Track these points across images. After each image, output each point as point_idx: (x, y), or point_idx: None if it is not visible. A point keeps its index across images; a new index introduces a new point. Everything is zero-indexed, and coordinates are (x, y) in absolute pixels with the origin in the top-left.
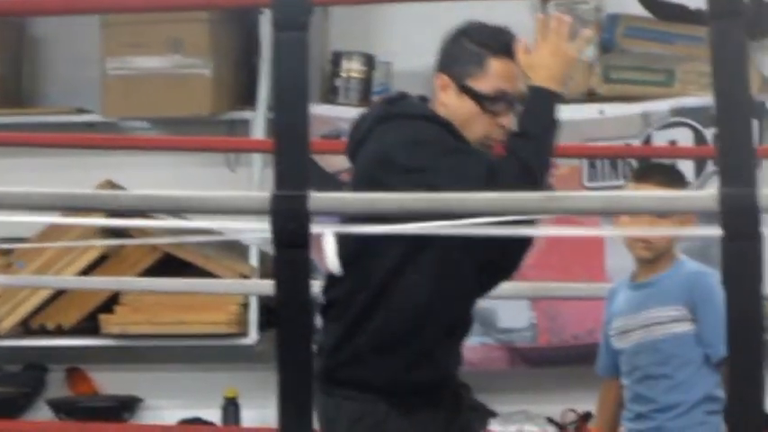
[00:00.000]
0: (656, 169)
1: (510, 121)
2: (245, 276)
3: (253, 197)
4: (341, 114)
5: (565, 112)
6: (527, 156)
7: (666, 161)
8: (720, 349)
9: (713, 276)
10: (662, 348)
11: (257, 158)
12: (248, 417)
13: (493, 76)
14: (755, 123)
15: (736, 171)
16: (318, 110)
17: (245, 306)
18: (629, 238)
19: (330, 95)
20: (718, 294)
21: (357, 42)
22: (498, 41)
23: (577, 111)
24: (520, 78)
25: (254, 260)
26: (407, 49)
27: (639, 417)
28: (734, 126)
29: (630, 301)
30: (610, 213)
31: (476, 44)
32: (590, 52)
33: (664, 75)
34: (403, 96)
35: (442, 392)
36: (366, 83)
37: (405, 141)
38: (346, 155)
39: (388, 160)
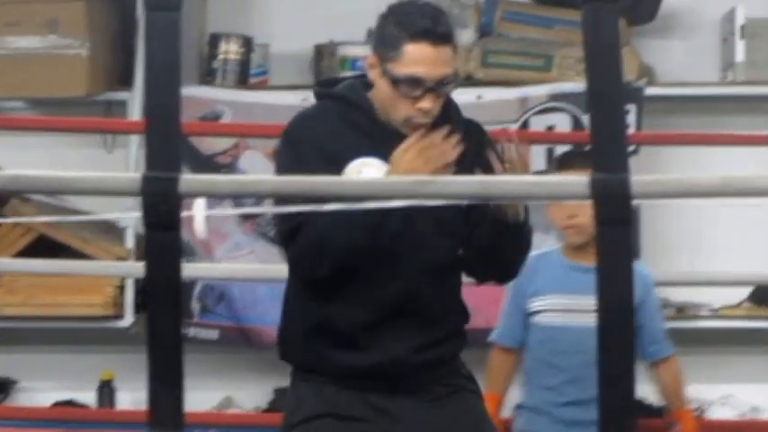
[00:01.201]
0: (579, 156)
1: (431, 105)
2: (122, 258)
3: (123, 178)
4: (218, 96)
5: None
6: (328, 238)
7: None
8: (658, 350)
9: (651, 277)
10: None
11: (134, 140)
12: (123, 399)
13: (407, 60)
14: (634, 109)
15: (608, 157)
16: (196, 92)
17: (121, 288)
18: (561, 223)
19: (207, 77)
20: (655, 295)
21: (235, 24)
22: (415, 25)
23: (455, 94)
24: (441, 62)
25: (130, 242)
26: (285, 31)
27: (579, 403)
28: (606, 112)
29: (577, 281)
30: (484, 198)
31: (395, 26)
32: (469, 35)
33: (542, 60)
34: (331, 81)
35: (374, 376)
36: (244, 65)
37: (285, 131)
38: None
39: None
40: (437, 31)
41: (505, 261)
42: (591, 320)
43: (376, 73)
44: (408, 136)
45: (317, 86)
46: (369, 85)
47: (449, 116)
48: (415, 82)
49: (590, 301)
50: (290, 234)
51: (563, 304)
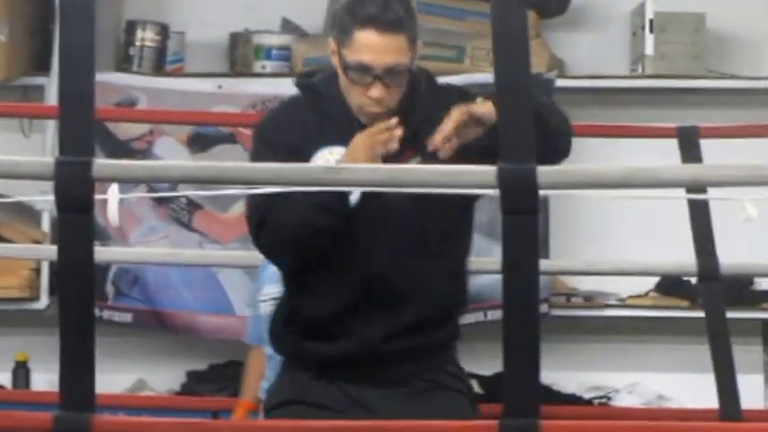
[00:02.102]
0: None
1: (380, 94)
2: (37, 241)
3: (37, 162)
4: (135, 83)
5: None
6: (296, 219)
7: None
8: None
9: None
10: None
11: (50, 124)
12: (38, 380)
13: (356, 47)
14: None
15: (514, 146)
16: (113, 78)
17: (37, 271)
18: None
19: (124, 64)
20: None
21: (151, 12)
22: (365, 11)
23: None
24: (389, 50)
25: (46, 226)
26: (201, 19)
27: None
28: (514, 102)
29: None
30: (393, 186)
31: (347, 12)
32: None
33: (454, 50)
34: (312, 72)
35: (345, 365)
36: (160, 52)
37: (256, 126)
38: None
39: None
40: (384, 18)
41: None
42: None
43: (335, 59)
44: (368, 124)
45: (298, 78)
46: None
47: (413, 103)
48: (362, 69)
49: None
50: (257, 226)
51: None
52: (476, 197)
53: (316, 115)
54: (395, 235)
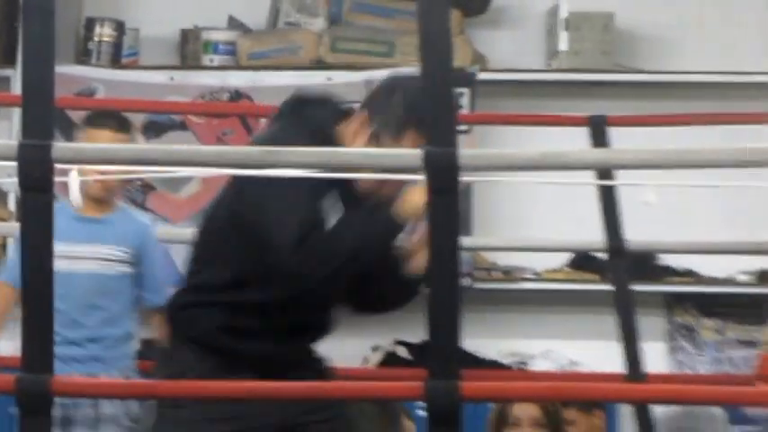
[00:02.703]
0: (109, 116)
1: None
2: (3, 219)
3: (2, 145)
4: (93, 75)
5: (295, 78)
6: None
7: None
8: (157, 299)
9: (155, 228)
10: (108, 283)
11: (16, 112)
12: (4, 347)
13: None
14: (467, 92)
15: (438, 132)
16: (73, 70)
17: (3, 247)
18: (86, 175)
19: (83, 57)
20: (160, 246)
21: (109, 10)
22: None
23: (307, 77)
24: None
25: (12, 205)
26: (154, 16)
27: (72, 343)
28: (437, 92)
29: (77, 231)
30: (327, 168)
31: (403, 109)
32: (320, 24)
33: (385, 46)
34: (302, 101)
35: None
36: (116, 46)
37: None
38: None
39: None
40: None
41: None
42: (87, 267)
43: (364, 131)
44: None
45: (291, 103)
46: (340, 115)
47: None
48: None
49: (88, 250)
50: (297, 241)
51: (64, 251)
52: None
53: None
54: None
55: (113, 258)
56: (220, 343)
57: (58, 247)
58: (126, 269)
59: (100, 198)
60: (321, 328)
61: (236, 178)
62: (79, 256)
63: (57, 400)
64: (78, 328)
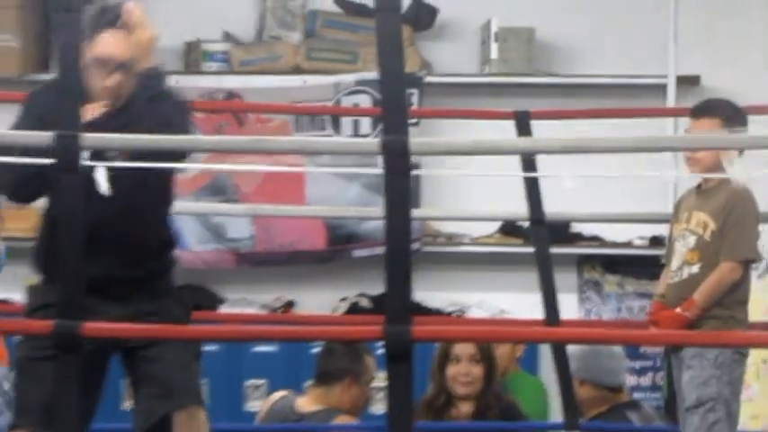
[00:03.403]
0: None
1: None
2: None
3: (41, 135)
4: None
5: (277, 81)
6: None
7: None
8: None
9: None
10: None
11: None
12: None
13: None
14: (416, 93)
15: (393, 124)
16: None
17: None
18: None
19: None
20: None
21: None
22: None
23: (286, 81)
24: None
25: None
26: (163, 31)
27: None
28: (393, 92)
29: None
30: (305, 153)
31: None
32: (298, 37)
33: (350, 55)
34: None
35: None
36: None
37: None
38: None
39: None
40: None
41: None
42: None
43: None
44: None
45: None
46: None
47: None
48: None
49: None
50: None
51: None
52: (170, 180)
53: None
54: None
55: None
56: None
57: None
58: None
59: None
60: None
61: None
62: None
63: None
64: None
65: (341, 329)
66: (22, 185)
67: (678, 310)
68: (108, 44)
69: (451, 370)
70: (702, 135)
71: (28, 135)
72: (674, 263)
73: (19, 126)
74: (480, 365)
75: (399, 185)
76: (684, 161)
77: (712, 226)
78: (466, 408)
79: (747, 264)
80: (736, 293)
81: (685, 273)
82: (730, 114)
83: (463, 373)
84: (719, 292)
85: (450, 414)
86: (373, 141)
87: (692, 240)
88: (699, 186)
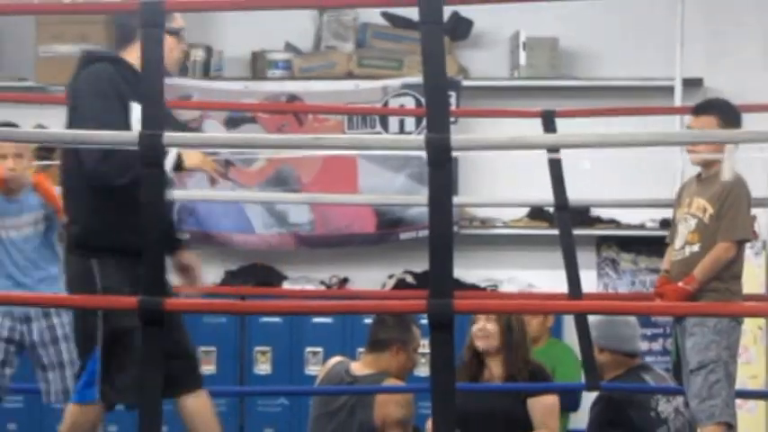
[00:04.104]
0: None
1: None
2: None
3: (130, 134)
4: (190, 84)
5: (332, 86)
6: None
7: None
8: None
9: None
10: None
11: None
12: None
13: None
14: (454, 94)
15: (436, 123)
16: (176, 81)
17: None
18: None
19: (182, 71)
20: None
21: (201, 37)
22: None
23: (340, 85)
24: None
25: None
26: (233, 42)
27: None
28: (436, 95)
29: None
30: (357, 149)
31: None
32: (350, 47)
33: (396, 62)
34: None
35: None
36: (206, 64)
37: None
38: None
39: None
40: None
41: None
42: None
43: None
44: None
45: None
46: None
47: None
48: None
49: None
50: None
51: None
52: None
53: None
54: None
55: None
56: None
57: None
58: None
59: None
60: None
61: None
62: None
63: (17, 326)
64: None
65: (390, 303)
66: (130, 167)
67: (681, 283)
68: None
69: (473, 328)
70: (705, 131)
71: (114, 135)
72: (677, 242)
73: (107, 109)
74: (495, 323)
75: (441, 177)
76: (686, 152)
77: (710, 210)
78: (498, 371)
79: (741, 243)
80: (731, 269)
81: (687, 251)
82: (726, 111)
83: (480, 327)
84: (717, 268)
85: (484, 377)
86: (419, 138)
87: (692, 223)
88: (699, 175)
